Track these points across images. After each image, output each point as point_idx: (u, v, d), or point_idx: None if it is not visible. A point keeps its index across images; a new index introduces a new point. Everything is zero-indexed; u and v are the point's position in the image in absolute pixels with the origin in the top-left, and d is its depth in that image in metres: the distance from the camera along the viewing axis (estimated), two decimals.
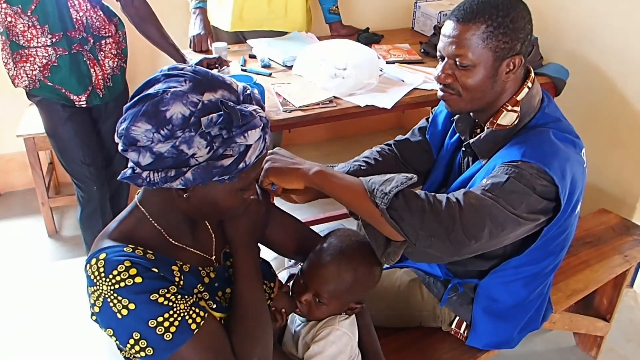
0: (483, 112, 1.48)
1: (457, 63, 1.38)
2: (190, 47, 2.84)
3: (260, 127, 1.00)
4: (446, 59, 1.41)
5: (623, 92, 2.66)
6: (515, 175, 1.30)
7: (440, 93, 1.47)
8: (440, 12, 3.10)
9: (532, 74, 1.46)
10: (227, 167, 0.98)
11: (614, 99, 2.71)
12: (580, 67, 2.80)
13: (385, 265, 1.41)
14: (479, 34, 1.34)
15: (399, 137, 1.78)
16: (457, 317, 1.66)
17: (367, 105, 2.33)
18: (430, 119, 1.74)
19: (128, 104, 0.99)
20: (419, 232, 1.23)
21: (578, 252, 2.13)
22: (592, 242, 2.21)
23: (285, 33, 2.95)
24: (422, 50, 2.93)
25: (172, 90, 0.96)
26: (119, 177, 1.01)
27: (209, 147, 0.96)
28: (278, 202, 1.39)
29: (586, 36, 2.77)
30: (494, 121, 1.44)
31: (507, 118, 1.43)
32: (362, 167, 1.66)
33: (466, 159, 1.58)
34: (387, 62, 2.72)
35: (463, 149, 1.58)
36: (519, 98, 1.43)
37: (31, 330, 2.45)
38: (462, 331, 1.67)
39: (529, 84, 1.44)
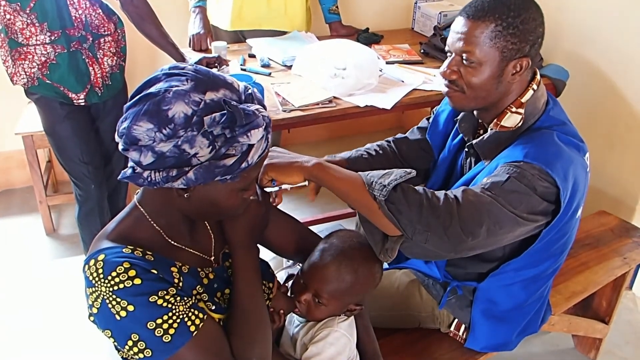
0: (487, 113, 1.47)
1: (464, 60, 1.37)
2: (189, 46, 2.83)
3: (263, 127, 1.00)
4: (453, 55, 1.40)
5: (622, 93, 2.66)
6: (516, 175, 1.30)
7: (444, 89, 1.46)
8: (440, 13, 3.09)
9: (538, 76, 1.45)
10: (229, 167, 0.98)
11: (613, 100, 2.70)
12: (580, 68, 2.80)
13: (385, 266, 1.40)
14: (487, 32, 1.33)
15: (399, 135, 1.78)
16: (456, 319, 1.66)
17: (366, 106, 2.33)
18: (431, 119, 1.74)
19: (129, 103, 0.98)
20: (416, 226, 1.23)
21: (577, 254, 2.13)
22: (591, 244, 2.21)
23: (284, 32, 2.95)
24: (421, 51, 2.93)
25: (174, 89, 0.95)
26: (119, 177, 1.01)
27: (211, 147, 0.95)
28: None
29: (586, 37, 2.77)
30: (498, 122, 1.43)
31: (511, 120, 1.42)
32: (364, 156, 1.68)
33: (468, 160, 1.58)
34: (387, 63, 2.71)
35: (466, 149, 1.57)
36: (523, 100, 1.42)
37: (29, 329, 2.44)
38: (460, 333, 1.66)
39: (534, 86, 1.43)
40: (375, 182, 1.26)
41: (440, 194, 1.28)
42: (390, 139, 1.78)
